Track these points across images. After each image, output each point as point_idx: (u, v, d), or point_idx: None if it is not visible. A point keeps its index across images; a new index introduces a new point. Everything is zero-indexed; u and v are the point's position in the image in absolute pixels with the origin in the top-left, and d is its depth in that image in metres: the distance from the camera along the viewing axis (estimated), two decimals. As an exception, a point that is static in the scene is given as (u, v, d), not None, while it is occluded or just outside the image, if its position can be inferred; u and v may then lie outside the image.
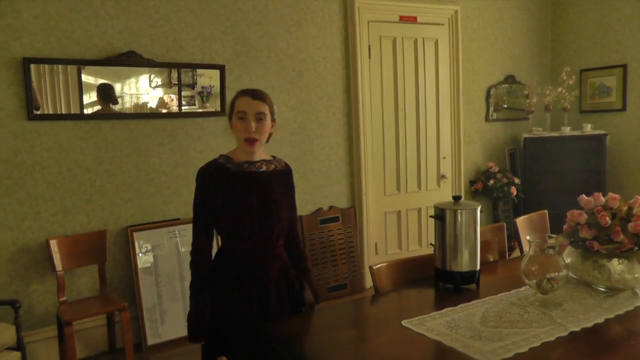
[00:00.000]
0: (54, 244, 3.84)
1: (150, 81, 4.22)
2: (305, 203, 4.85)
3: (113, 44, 4.04)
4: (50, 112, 3.90)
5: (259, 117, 2.28)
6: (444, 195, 5.63)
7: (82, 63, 3.94)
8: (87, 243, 3.98)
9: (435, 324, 2.01)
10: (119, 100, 4.10)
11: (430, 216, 2.59)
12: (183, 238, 4.30)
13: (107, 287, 4.02)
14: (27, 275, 3.89)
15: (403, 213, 5.54)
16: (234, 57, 4.51)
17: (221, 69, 4.43)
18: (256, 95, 2.32)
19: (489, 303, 2.22)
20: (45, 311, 3.93)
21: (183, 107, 4.33)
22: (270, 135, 2.41)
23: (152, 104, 4.23)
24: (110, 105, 4.08)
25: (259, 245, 2.31)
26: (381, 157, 5.36)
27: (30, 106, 3.81)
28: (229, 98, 4.40)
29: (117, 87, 4.09)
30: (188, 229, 4.06)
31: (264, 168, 2.37)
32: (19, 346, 3.43)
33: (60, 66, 3.89)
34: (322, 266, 4.91)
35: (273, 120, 2.38)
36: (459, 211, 2.40)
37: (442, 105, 5.70)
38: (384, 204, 5.43)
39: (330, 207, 5.02)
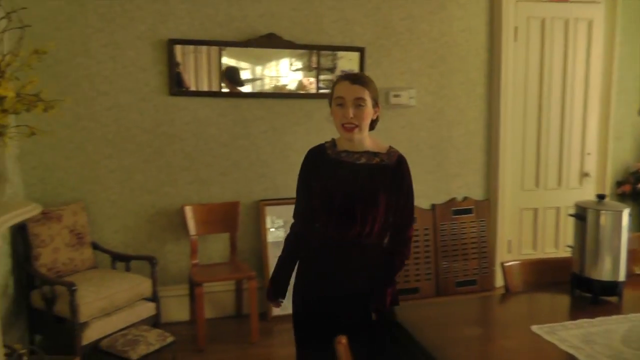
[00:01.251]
0: (188, 210, 4.11)
1: (291, 64, 4.29)
2: (438, 192, 4.74)
3: (254, 27, 4.16)
4: (192, 89, 4.11)
5: (358, 103, 2.15)
6: (586, 195, 5.08)
7: (223, 44, 4.11)
8: (220, 212, 4.19)
9: (569, 335, 1.85)
10: (259, 82, 4.23)
11: (570, 215, 2.37)
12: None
13: (237, 256, 4.22)
14: (163, 236, 4.20)
15: (540, 211, 5.14)
16: (374, 40, 4.45)
17: (361, 51, 4.38)
18: (356, 79, 2.19)
19: (633, 321, 1.99)
20: (179, 271, 4.21)
21: (321, 91, 4.35)
22: (374, 122, 2.26)
23: (292, 86, 4.30)
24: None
25: (340, 234, 2.21)
26: (520, 149, 5.00)
27: (172, 83, 4.05)
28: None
29: (258, 69, 4.22)
30: None
31: (362, 160, 2.23)
32: (154, 298, 3.71)
33: (202, 47, 4.08)
34: (451, 259, 4.74)
35: (376, 106, 2.23)
36: (602, 212, 2.18)
37: (590, 94, 5.12)
38: (520, 200, 5.08)
39: (465, 198, 4.83)
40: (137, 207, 4.13)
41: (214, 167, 4.22)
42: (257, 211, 4.31)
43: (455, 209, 4.78)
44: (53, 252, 3.62)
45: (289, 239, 2.43)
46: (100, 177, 4.04)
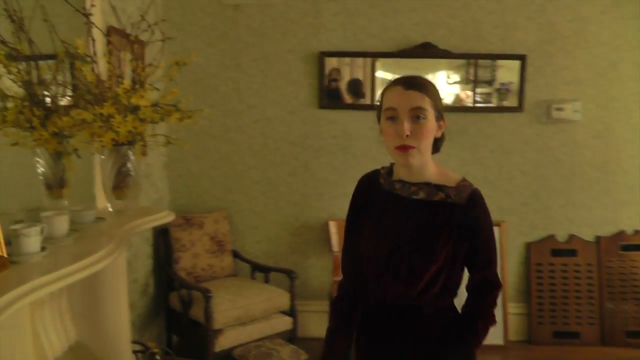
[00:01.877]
0: (332, 226, 3.98)
1: (448, 77, 4.03)
2: (604, 222, 4.12)
3: (408, 37, 3.97)
4: (341, 102, 4.01)
5: (416, 115, 1.57)
6: None
7: (375, 55, 3.97)
8: (364, 231, 4.00)
9: None
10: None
11: None
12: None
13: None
14: (306, 250, 4.12)
15: None
16: (537, 46, 4.01)
17: (522, 59, 3.97)
18: (412, 83, 1.61)
19: None
20: (320, 286, 4.08)
21: (477, 105, 4.04)
22: (439, 141, 1.70)
23: (448, 99, 4.01)
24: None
25: (389, 294, 1.68)
26: None
27: (322, 95, 3.98)
28: (528, 93, 4.03)
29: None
30: None
31: (420, 195, 1.65)
32: (292, 312, 3.61)
33: (358, 59, 3.98)
34: (619, 302, 4.06)
35: (441, 119, 1.65)
36: None
37: None
38: None
39: (636, 232, 4.16)
40: (280, 218, 4.09)
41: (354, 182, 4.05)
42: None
43: (625, 244, 4.11)
44: (193, 257, 3.67)
45: (335, 305, 1.87)
46: (245, 188, 4.07)
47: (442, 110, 1.66)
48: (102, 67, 2.17)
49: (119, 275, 2.29)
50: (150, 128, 2.29)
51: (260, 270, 3.83)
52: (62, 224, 1.82)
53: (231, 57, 3.98)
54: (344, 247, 1.86)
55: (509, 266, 4.10)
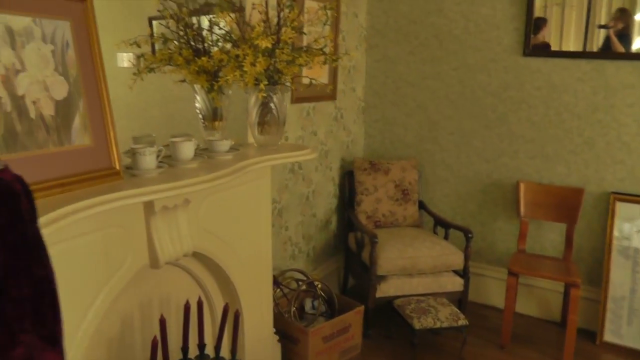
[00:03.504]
0: (523, 188, 3.64)
1: None
2: None
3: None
4: (554, 49, 3.52)
5: None
6: None
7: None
8: (559, 197, 3.55)
9: None
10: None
11: None
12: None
13: (572, 254, 3.51)
14: (495, 211, 3.87)
15: None
16: None
17: None
18: None
19: None
20: (506, 252, 3.83)
21: None
22: None
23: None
24: (623, 45, 3.33)
25: None
26: None
27: (527, 42, 3.57)
28: None
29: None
30: None
31: None
32: (464, 274, 3.48)
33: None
34: None
35: None
36: None
37: None
38: None
39: None
40: (471, 174, 3.89)
41: (563, 143, 3.57)
42: (607, 205, 3.47)
43: None
44: (375, 202, 3.78)
45: None
46: (438, 138, 3.97)
47: None
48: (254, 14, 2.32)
49: (255, 201, 2.52)
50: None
51: (441, 225, 3.73)
52: (187, 149, 2.08)
53: (434, 2, 3.83)
54: None
55: None
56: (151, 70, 2.15)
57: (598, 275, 3.51)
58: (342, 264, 4.02)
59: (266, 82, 2.24)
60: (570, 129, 3.54)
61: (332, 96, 3.72)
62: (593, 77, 3.44)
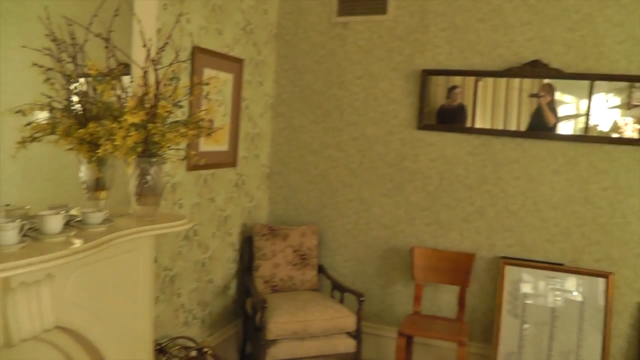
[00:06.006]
0: (417, 253, 3.79)
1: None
2: None
3: (519, 53, 3.60)
4: (441, 124, 3.80)
5: None
6: None
7: (479, 74, 3.68)
8: (452, 262, 3.74)
9: None
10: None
11: None
12: (560, 290, 3.52)
13: (465, 314, 3.67)
14: (393, 275, 4.00)
15: None
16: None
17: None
18: None
19: None
20: (404, 314, 3.89)
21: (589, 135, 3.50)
22: None
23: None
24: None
25: None
26: None
27: (420, 116, 3.82)
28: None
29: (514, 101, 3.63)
30: (568, 279, 3.52)
31: None
32: (357, 335, 3.50)
33: (458, 78, 3.75)
34: None
35: None
36: None
37: None
38: None
39: None
40: (370, 240, 4.02)
41: (456, 211, 3.79)
42: (497, 268, 3.68)
43: None
44: (273, 267, 3.80)
45: None
46: (339, 205, 4.08)
47: None
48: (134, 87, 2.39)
49: (133, 271, 2.47)
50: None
51: (338, 289, 3.79)
52: (53, 222, 2.03)
53: (337, 75, 4.03)
54: None
55: (615, 326, 3.46)
56: (34, 139, 2.13)
57: (489, 333, 3.67)
58: (241, 330, 3.96)
59: (134, 155, 2.25)
60: (462, 198, 3.77)
61: (232, 163, 3.75)
62: (482, 151, 3.71)
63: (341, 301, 3.70)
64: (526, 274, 3.60)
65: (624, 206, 3.46)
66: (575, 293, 3.50)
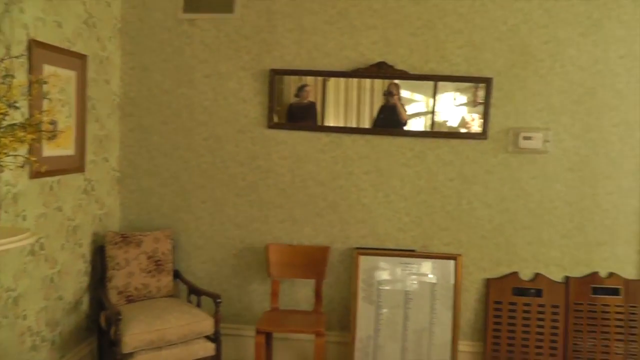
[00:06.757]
0: (272, 250, 3.85)
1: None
2: (575, 262, 3.78)
3: (365, 55, 3.79)
4: (290, 122, 3.89)
5: None
6: None
7: (327, 75, 3.82)
8: (306, 256, 3.86)
9: None
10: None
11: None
12: (415, 274, 3.82)
13: (322, 306, 3.80)
14: (249, 274, 4.01)
15: None
16: (506, 69, 3.74)
17: (487, 82, 3.71)
18: None
19: None
20: (262, 311, 3.91)
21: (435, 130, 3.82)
22: None
23: (417, 124, 3.82)
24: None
25: None
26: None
27: (270, 115, 3.87)
28: (494, 119, 3.76)
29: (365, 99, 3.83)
30: (422, 264, 3.80)
31: None
32: (215, 338, 3.46)
33: (307, 78, 3.85)
34: (587, 350, 3.74)
35: None
36: None
37: None
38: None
39: (610, 275, 3.77)
40: (225, 240, 3.99)
41: (309, 207, 3.91)
42: (352, 259, 3.87)
43: (597, 286, 3.76)
44: (127, 276, 3.61)
45: None
46: (192, 207, 3.99)
47: None
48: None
49: None
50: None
51: (194, 293, 3.72)
52: None
53: (185, 73, 3.92)
54: None
55: (464, 302, 3.84)
56: None
57: (347, 321, 3.85)
58: (96, 347, 3.71)
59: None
60: (315, 194, 3.89)
61: (80, 168, 3.48)
62: (332, 148, 3.86)
63: (198, 305, 3.64)
64: (383, 262, 3.83)
65: (470, 194, 3.83)
66: (431, 276, 3.82)
